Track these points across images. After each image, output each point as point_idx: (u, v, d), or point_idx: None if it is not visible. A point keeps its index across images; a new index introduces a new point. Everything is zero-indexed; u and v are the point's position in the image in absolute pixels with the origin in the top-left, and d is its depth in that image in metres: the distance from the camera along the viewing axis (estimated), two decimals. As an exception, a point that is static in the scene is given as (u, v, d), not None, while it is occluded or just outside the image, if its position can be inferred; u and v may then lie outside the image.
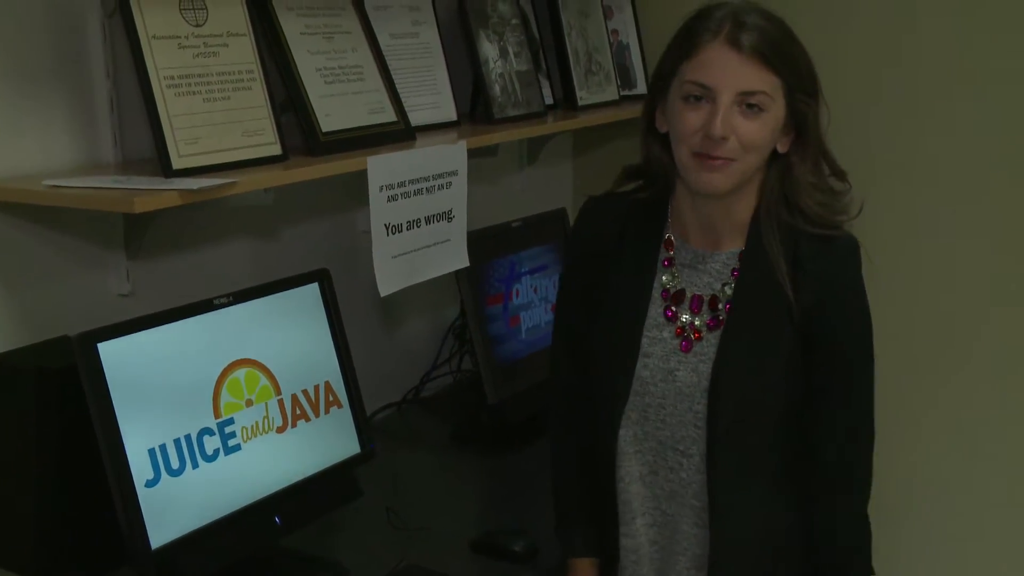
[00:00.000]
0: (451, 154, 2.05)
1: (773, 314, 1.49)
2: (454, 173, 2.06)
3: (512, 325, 2.29)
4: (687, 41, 1.50)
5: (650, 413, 1.57)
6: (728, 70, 1.44)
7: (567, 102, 2.65)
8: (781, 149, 1.51)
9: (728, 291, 1.55)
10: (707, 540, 1.55)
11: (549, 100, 2.64)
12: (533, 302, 2.35)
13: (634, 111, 2.84)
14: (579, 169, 3.17)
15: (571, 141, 3.14)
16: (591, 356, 1.63)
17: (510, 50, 2.42)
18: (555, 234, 2.46)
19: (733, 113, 1.45)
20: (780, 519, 1.57)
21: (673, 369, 1.55)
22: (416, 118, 2.16)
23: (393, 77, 2.08)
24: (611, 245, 1.62)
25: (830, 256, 1.49)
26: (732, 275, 1.55)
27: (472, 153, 2.20)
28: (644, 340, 1.57)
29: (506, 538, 1.82)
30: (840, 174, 1.55)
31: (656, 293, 1.59)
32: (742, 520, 1.54)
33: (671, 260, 1.59)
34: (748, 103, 1.45)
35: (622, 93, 2.85)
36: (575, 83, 2.63)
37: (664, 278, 1.59)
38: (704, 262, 1.57)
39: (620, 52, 2.90)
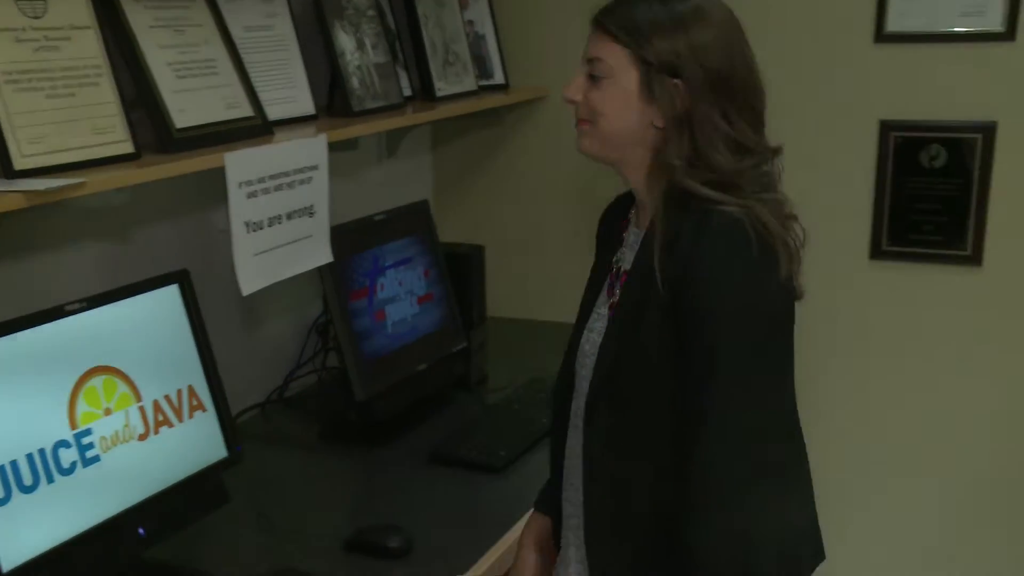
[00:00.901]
0: (311, 148, 2.01)
1: (647, 291, 1.47)
2: (314, 168, 2.03)
3: (378, 320, 2.26)
4: None
5: (583, 386, 1.58)
6: (590, 41, 1.55)
7: (425, 93, 2.64)
8: (657, 123, 1.49)
9: (626, 265, 1.58)
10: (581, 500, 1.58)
11: (407, 92, 2.63)
12: (399, 296, 2.34)
13: (493, 101, 2.88)
14: (439, 160, 3.16)
15: (430, 132, 3.13)
16: None
17: (367, 42, 2.39)
18: (419, 226, 2.44)
19: (583, 79, 1.53)
20: (657, 490, 1.49)
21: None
22: (273, 112, 2.11)
23: (248, 71, 2.03)
24: (607, 228, 1.71)
25: (701, 232, 1.43)
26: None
27: (332, 147, 2.17)
28: (593, 316, 1.62)
29: (380, 535, 1.81)
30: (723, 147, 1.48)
31: (609, 274, 1.63)
32: (611, 492, 1.53)
33: (623, 239, 1.63)
34: (591, 72, 1.52)
35: (480, 83, 2.86)
36: (432, 74, 2.61)
37: (615, 257, 1.63)
38: (633, 239, 1.59)
39: (476, 42, 2.90)
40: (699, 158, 1.47)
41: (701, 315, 1.42)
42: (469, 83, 2.77)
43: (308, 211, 2.03)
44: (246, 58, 2.06)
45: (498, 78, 2.93)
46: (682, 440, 1.44)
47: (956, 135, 2.58)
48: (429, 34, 2.63)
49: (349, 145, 2.19)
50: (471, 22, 2.90)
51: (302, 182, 1.99)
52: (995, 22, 2.52)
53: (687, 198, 1.46)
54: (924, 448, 2.76)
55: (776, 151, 1.53)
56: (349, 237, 2.21)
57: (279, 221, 1.95)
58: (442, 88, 2.65)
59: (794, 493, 1.53)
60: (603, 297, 1.62)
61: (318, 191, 2.04)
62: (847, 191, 2.71)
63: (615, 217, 1.68)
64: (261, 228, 1.90)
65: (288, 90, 2.19)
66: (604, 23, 1.51)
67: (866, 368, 2.77)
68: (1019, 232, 2.59)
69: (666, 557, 1.46)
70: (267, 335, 2.52)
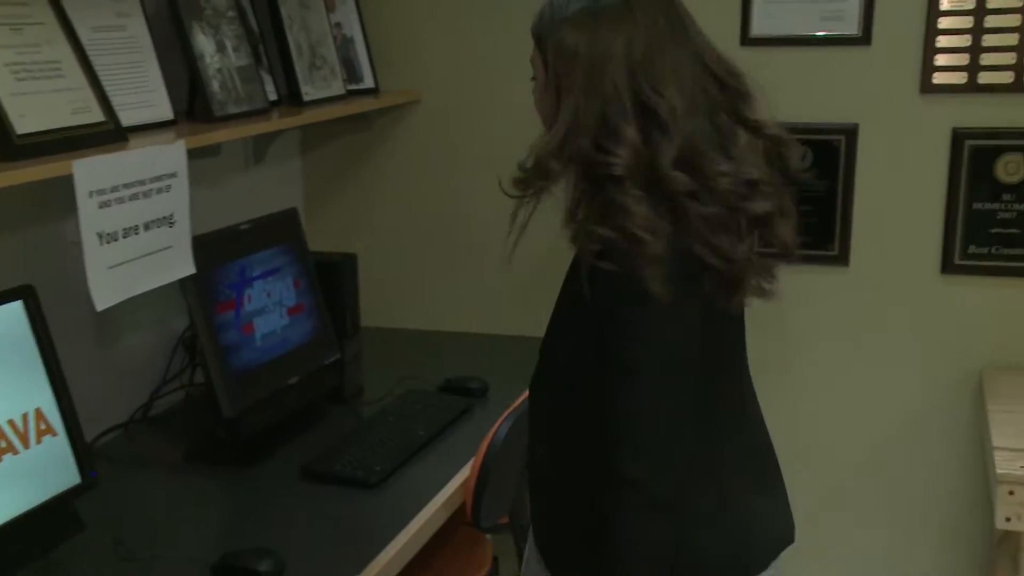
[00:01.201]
0: (168, 155, 1.91)
1: (568, 297, 1.52)
2: (173, 175, 1.93)
3: (246, 333, 2.17)
4: None
5: None
6: None
7: (292, 98, 2.56)
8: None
9: None
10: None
11: (273, 96, 2.54)
12: (267, 307, 2.25)
13: (362, 105, 2.81)
14: (310, 166, 3.08)
15: (300, 138, 3.04)
16: None
17: (228, 44, 2.30)
18: (287, 235, 2.36)
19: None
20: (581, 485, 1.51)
21: None
22: (128, 118, 2.00)
23: (98, 74, 1.92)
24: None
25: (595, 288, 1.42)
26: None
27: (192, 154, 2.07)
28: None
29: (249, 559, 1.72)
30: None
31: None
32: (542, 492, 1.62)
33: None
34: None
35: (349, 88, 2.79)
36: (299, 78, 2.54)
37: None
38: None
39: (345, 46, 2.83)
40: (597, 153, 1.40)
41: (598, 329, 1.43)
42: (337, 87, 2.70)
43: (167, 221, 1.93)
44: (96, 60, 1.95)
45: (368, 82, 2.86)
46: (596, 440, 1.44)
47: (821, 137, 2.63)
48: (294, 37, 2.55)
49: (211, 151, 2.10)
50: (339, 25, 2.82)
51: (160, 191, 1.90)
52: (852, 27, 2.58)
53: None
54: (794, 445, 2.80)
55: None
56: (213, 248, 2.12)
57: (135, 232, 1.85)
58: (309, 92, 2.57)
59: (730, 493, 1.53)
60: None
61: (177, 200, 1.94)
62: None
63: None
64: (116, 239, 1.80)
65: (144, 94, 2.09)
66: (532, 26, 1.51)
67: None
68: (882, 232, 2.65)
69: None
70: (129, 351, 2.40)
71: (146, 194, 1.86)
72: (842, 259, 2.67)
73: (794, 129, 2.65)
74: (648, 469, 1.40)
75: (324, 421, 2.38)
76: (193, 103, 2.25)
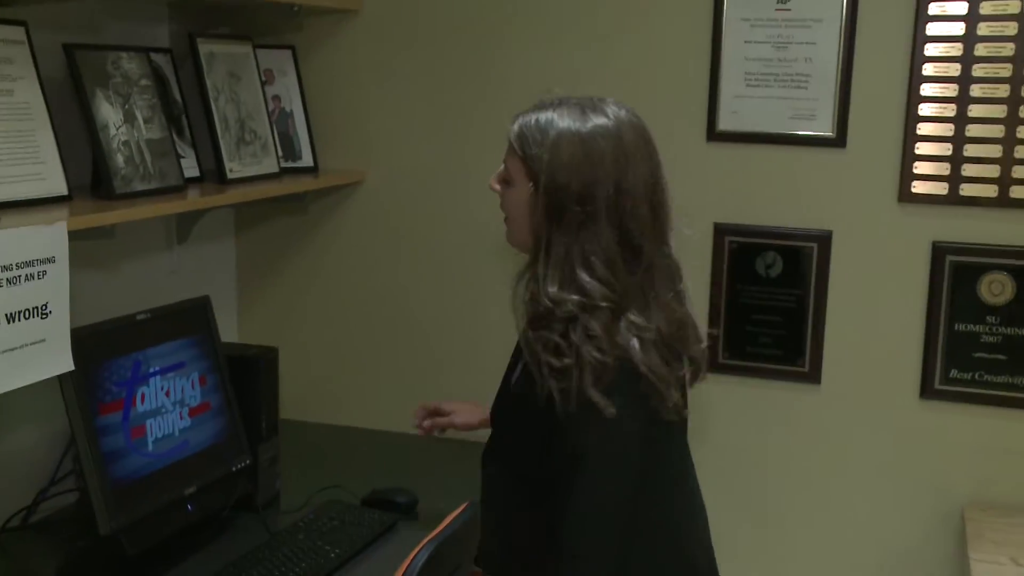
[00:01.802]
0: (43, 238, 1.69)
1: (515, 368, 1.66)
2: (50, 260, 1.70)
3: (135, 437, 1.92)
4: None
5: None
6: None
7: (218, 175, 2.34)
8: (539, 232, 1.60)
9: None
10: None
11: (194, 172, 2.33)
12: (164, 407, 2.00)
13: (298, 185, 2.59)
14: (243, 249, 2.85)
15: (233, 218, 2.82)
16: None
17: (138, 114, 2.09)
18: (196, 326, 2.13)
19: (502, 172, 1.66)
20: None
21: None
22: (7, 192, 1.79)
23: (-29, 142, 1.71)
24: None
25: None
26: None
27: (87, 234, 1.86)
28: None
29: None
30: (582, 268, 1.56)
31: None
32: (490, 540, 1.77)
33: None
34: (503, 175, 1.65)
35: (284, 165, 2.58)
36: (223, 153, 2.32)
37: None
38: None
39: (283, 120, 2.63)
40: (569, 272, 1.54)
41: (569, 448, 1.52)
42: (269, 164, 2.49)
43: (40, 311, 1.69)
44: (-28, 127, 1.74)
45: (306, 160, 2.65)
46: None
47: (792, 243, 2.42)
48: (220, 109, 2.34)
49: (104, 233, 1.88)
50: (277, 97, 2.63)
51: (31, 277, 1.66)
52: (825, 126, 2.38)
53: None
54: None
55: (650, 267, 1.58)
56: (101, 340, 1.88)
57: (-4, 324, 1.61)
58: (235, 169, 2.35)
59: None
60: None
61: (54, 288, 1.71)
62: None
63: None
64: (-33, 333, 1.56)
65: (32, 166, 1.87)
66: (512, 139, 1.61)
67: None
68: (857, 349, 2.43)
69: None
70: (14, 447, 2.14)
71: (13, 281, 1.63)
72: (813, 376, 2.45)
73: (763, 233, 2.49)
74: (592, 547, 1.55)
75: (229, 535, 2.12)
76: (98, 178, 2.03)
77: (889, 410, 2.41)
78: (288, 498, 2.31)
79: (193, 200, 2.15)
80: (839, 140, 2.37)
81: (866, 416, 2.43)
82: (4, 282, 1.62)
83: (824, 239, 2.41)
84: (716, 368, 2.50)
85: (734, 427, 2.52)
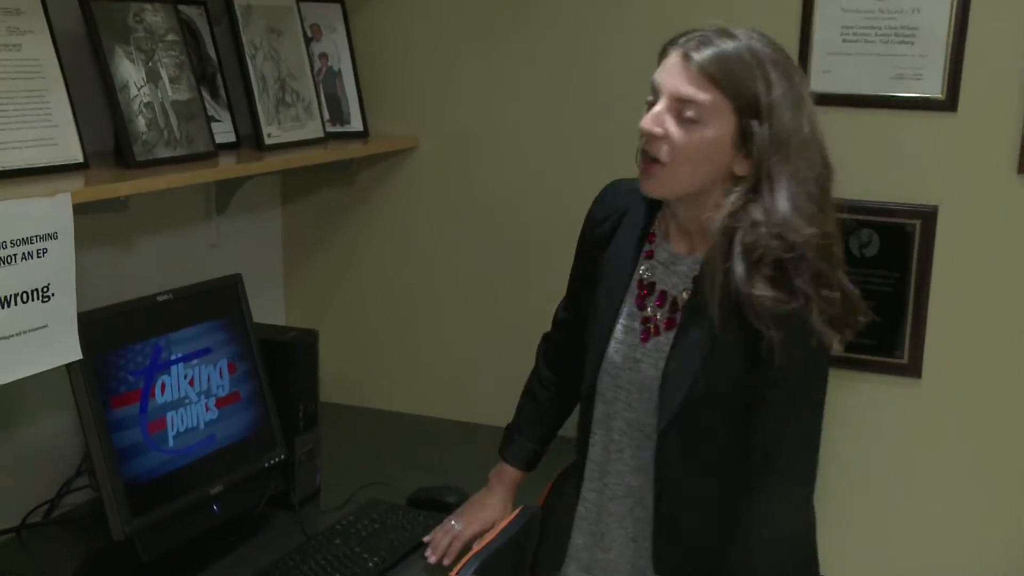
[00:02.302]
0: (43, 211, 1.50)
1: (717, 323, 1.53)
2: (51, 236, 1.51)
3: (153, 432, 1.74)
4: (661, 50, 1.57)
5: (620, 395, 1.67)
6: (673, 74, 1.51)
7: (256, 140, 2.14)
8: (739, 172, 1.53)
9: (685, 295, 1.61)
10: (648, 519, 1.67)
11: (230, 137, 2.13)
12: (188, 398, 1.82)
13: (344, 152, 2.38)
14: (291, 218, 2.66)
15: (279, 185, 2.63)
16: (584, 333, 1.73)
17: (163, 73, 1.89)
18: (225, 308, 1.93)
19: (667, 117, 1.51)
20: (726, 508, 1.61)
21: (639, 360, 1.64)
22: (14, 158, 1.61)
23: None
24: (610, 229, 1.72)
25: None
26: (692, 280, 1.61)
27: (107, 206, 1.67)
28: (617, 326, 1.66)
29: None
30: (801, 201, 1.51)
31: (634, 283, 1.67)
32: (684, 506, 1.64)
33: (651, 253, 1.67)
34: (684, 113, 1.50)
35: (331, 130, 2.37)
36: (260, 117, 2.12)
37: (641, 268, 1.67)
38: (675, 263, 1.63)
39: (330, 80, 2.42)
40: (773, 214, 1.49)
41: (786, 357, 1.48)
42: (313, 129, 2.28)
43: (41, 294, 1.51)
44: (-28, 87, 1.56)
45: (355, 124, 2.44)
46: (758, 446, 1.58)
47: (891, 220, 2.15)
48: (258, 68, 2.13)
49: (116, 205, 1.69)
50: (324, 55, 2.41)
51: (28, 256, 1.48)
52: (934, 88, 2.09)
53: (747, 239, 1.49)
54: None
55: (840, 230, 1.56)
56: (115, 324, 1.70)
57: (-14, 309, 1.43)
58: (273, 134, 2.15)
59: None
60: (629, 307, 1.67)
61: (57, 267, 1.53)
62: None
63: (616, 220, 1.71)
64: (-50, 320, 1.38)
65: (42, 130, 1.69)
66: (702, 64, 1.49)
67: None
68: (964, 339, 2.15)
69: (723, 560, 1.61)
70: (37, 435, 1.98)
71: (6, 260, 1.45)
72: (913, 369, 2.18)
73: (858, 208, 2.20)
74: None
75: (261, 537, 1.94)
76: (120, 143, 1.84)
77: (1003, 408, 2.13)
78: (329, 495, 2.13)
79: (223, 168, 1.95)
80: (949, 103, 2.08)
81: (974, 413, 2.16)
82: (-3, 262, 1.44)
83: (929, 215, 2.13)
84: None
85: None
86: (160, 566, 1.75)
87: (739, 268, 1.48)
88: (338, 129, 2.40)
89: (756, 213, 1.49)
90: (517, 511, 1.95)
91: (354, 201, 2.56)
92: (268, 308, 2.58)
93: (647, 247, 1.68)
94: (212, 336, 1.89)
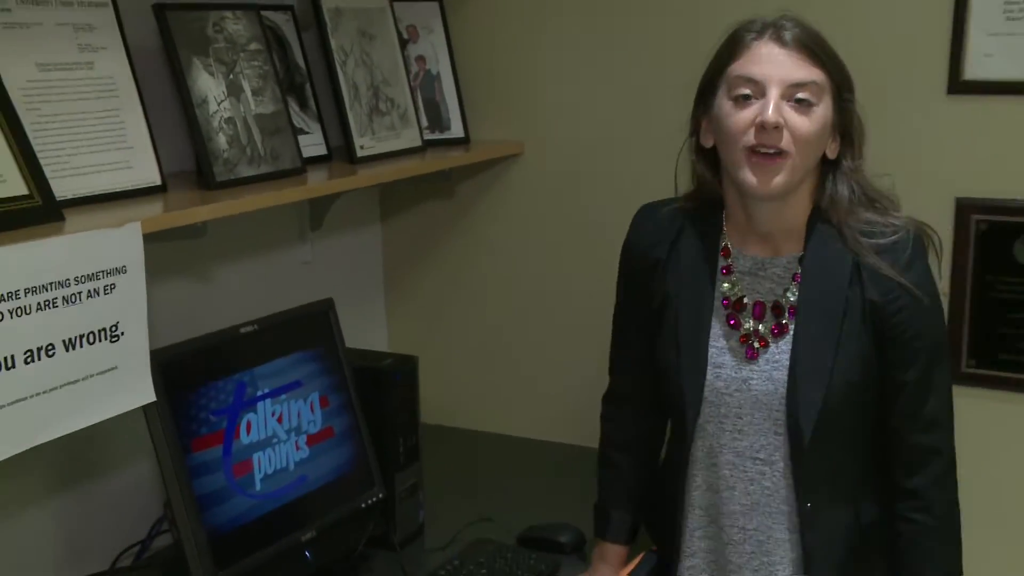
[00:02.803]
0: (111, 244, 1.37)
1: (842, 316, 1.51)
2: (119, 271, 1.39)
3: (239, 475, 1.61)
4: (731, 45, 1.52)
5: (726, 424, 1.57)
6: (776, 63, 1.47)
7: (348, 152, 1.99)
8: (831, 154, 1.52)
9: (791, 296, 1.55)
10: (800, 544, 1.56)
11: (320, 150, 1.99)
12: (277, 436, 1.68)
13: (443, 162, 2.21)
14: (391, 233, 2.51)
15: (377, 198, 2.48)
16: (657, 366, 1.64)
17: (245, 85, 1.75)
18: (316, 336, 1.79)
19: (783, 107, 1.45)
20: (863, 505, 1.59)
21: (746, 378, 1.56)
22: (84, 185, 1.49)
23: (34, 128, 1.41)
24: (665, 253, 1.63)
25: (896, 252, 1.50)
26: (794, 280, 1.55)
27: (177, 233, 1.55)
28: (712, 350, 1.58)
29: None
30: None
31: (717, 302, 1.59)
32: (832, 516, 1.56)
33: (729, 268, 1.59)
34: (798, 96, 1.46)
35: (429, 137, 2.21)
36: (351, 127, 1.97)
37: (724, 286, 1.59)
38: (764, 268, 1.57)
39: (428, 84, 2.26)
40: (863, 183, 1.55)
41: (916, 330, 1.51)
42: (409, 138, 2.12)
43: (109, 334, 1.39)
44: (40, 109, 1.45)
45: (455, 130, 2.28)
46: (898, 445, 1.55)
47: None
48: (349, 75, 1.99)
49: (194, 232, 1.56)
50: (422, 58, 2.26)
51: (94, 293, 1.35)
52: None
53: (853, 219, 1.52)
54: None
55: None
56: (194, 361, 1.57)
57: (49, 353, 1.31)
58: (366, 146, 2.00)
59: None
60: (718, 329, 1.58)
61: (126, 303, 1.40)
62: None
63: (670, 237, 1.63)
64: (10, 367, 1.26)
65: (115, 152, 1.57)
66: (803, 43, 1.47)
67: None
68: None
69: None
70: (126, 475, 1.87)
71: (69, 300, 1.32)
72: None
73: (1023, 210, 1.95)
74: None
75: (360, 580, 1.80)
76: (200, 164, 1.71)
77: None
78: (433, 532, 1.97)
79: (311, 187, 1.81)
80: None
81: None
82: (60, 301, 1.31)
83: (1111, 217, 1.85)
84: (959, 379, 1.98)
85: (982, 452, 2.00)
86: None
87: (836, 193, 1.53)
88: (437, 136, 2.25)
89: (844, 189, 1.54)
90: (640, 557, 1.77)
91: (455, 213, 2.40)
92: (368, 330, 2.45)
93: (721, 263, 1.59)
94: (302, 368, 1.75)
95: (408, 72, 2.17)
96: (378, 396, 1.87)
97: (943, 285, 1.97)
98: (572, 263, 2.31)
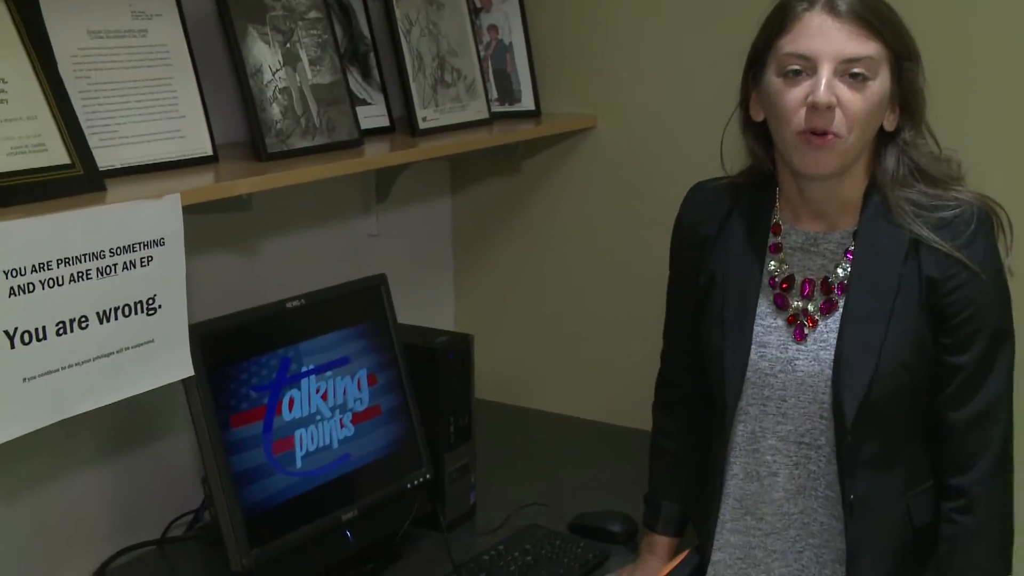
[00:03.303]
0: (148, 215, 1.36)
1: (895, 293, 1.43)
2: (157, 243, 1.37)
3: (279, 452, 1.59)
4: (781, 16, 1.43)
5: (769, 407, 1.51)
6: (828, 36, 1.38)
7: (411, 124, 1.95)
8: (888, 127, 1.45)
9: (841, 272, 1.49)
10: (844, 533, 1.49)
11: (383, 121, 1.95)
12: (320, 413, 1.66)
13: (509, 136, 2.15)
14: (460, 207, 2.47)
15: (448, 171, 2.44)
16: (702, 347, 1.58)
17: (303, 55, 1.72)
18: (367, 312, 1.76)
19: (836, 84, 1.37)
20: (916, 505, 1.50)
21: (792, 359, 1.49)
22: (137, 154, 1.49)
23: (80, 96, 1.41)
24: (715, 230, 1.57)
25: (957, 227, 1.41)
26: (846, 256, 1.49)
27: (222, 205, 1.53)
28: (757, 329, 1.52)
29: None
30: (936, 141, 1.49)
31: (765, 280, 1.53)
32: (879, 508, 1.48)
33: (778, 245, 1.53)
34: (852, 72, 1.37)
35: (499, 109, 2.16)
36: (414, 98, 1.92)
37: (772, 264, 1.53)
38: (816, 244, 1.51)
39: (500, 54, 2.20)
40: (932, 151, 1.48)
41: (975, 311, 1.42)
42: (476, 110, 2.07)
43: (146, 306, 1.37)
44: (90, 77, 1.45)
45: (527, 103, 2.21)
46: (952, 434, 1.46)
47: None
48: (413, 45, 1.94)
49: (239, 205, 1.53)
50: (494, 27, 2.20)
51: (130, 265, 1.34)
52: None
53: (912, 194, 1.44)
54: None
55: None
56: (236, 335, 1.56)
57: (82, 325, 1.30)
58: (429, 118, 1.95)
59: None
60: (765, 308, 1.52)
61: (165, 276, 1.39)
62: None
63: (722, 214, 1.57)
64: (41, 339, 1.25)
65: (167, 121, 1.56)
66: (858, 13, 1.37)
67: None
68: None
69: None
70: (179, 445, 1.88)
71: (104, 271, 1.31)
72: None
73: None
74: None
75: (406, 562, 1.77)
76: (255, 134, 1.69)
77: None
78: (485, 514, 1.94)
79: (367, 159, 1.77)
80: None
81: None
82: (94, 273, 1.30)
83: None
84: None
85: None
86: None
87: (891, 166, 1.45)
88: (507, 108, 2.19)
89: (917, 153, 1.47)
90: (685, 553, 1.71)
91: (524, 188, 2.34)
92: (433, 306, 2.42)
93: (771, 240, 1.53)
94: (350, 344, 1.72)
95: (479, 42, 2.11)
96: (430, 375, 1.83)
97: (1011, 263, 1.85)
98: (642, 243, 2.23)
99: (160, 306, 1.39)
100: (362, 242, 2.20)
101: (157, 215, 1.37)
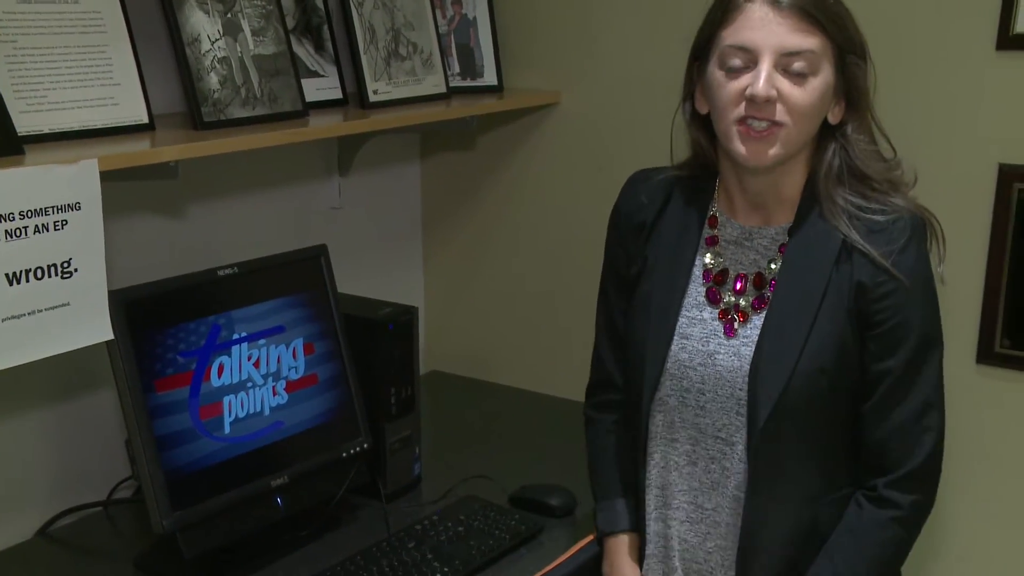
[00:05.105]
0: (61, 180, 1.38)
1: (822, 294, 1.41)
2: (72, 207, 1.39)
3: (206, 417, 1.61)
4: (723, 5, 1.41)
5: (688, 399, 1.49)
6: (769, 29, 1.36)
7: (360, 97, 1.96)
8: (833, 120, 1.43)
9: (774, 267, 1.46)
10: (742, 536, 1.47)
11: (335, 94, 1.96)
12: (252, 380, 1.68)
13: (466, 109, 2.15)
14: (428, 180, 2.47)
15: (417, 145, 2.44)
16: (626, 335, 1.58)
17: (244, 25, 1.73)
18: (306, 282, 1.78)
19: (777, 77, 1.36)
20: (825, 512, 1.47)
21: (713, 352, 1.48)
22: (66, 119, 1.51)
23: (4, 61, 1.44)
24: (651, 219, 1.56)
25: (891, 234, 1.40)
26: (780, 251, 1.47)
27: (152, 172, 1.55)
28: (682, 320, 1.51)
29: None
30: (889, 142, 1.48)
31: (697, 272, 1.51)
32: (784, 510, 1.45)
33: (714, 238, 1.52)
34: (793, 66, 1.36)
35: (461, 84, 2.16)
36: (364, 71, 1.93)
37: (707, 258, 1.51)
38: (751, 238, 1.49)
39: (463, 29, 2.20)
40: (876, 148, 1.45)
41: (903, 317, 1.40)
42: (432, 84, 2.07)
43: (60, 270, 1.40)
44: (17, 41, 1.47)
45: (489, 79, 2.21)
46: (873, 442, 1.44)
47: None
48: (365, 17, 1.94)
49: (165, 171, 1.55)
50: (458, 2, 2.19)
51: (41, 229, 1.36)
52: None
53: (851, 194, 1.42)
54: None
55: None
56: (163, 301, 1.58)
57: (-13, 286, 1.32)
58: (380, 91, 1.96)
59: None
60: (693, 300, 1.50)
61: (80, 240, 1.41)
62: (949, 267, 1.85)
63: (659, 204, 1.55)
64: (-58, 298, 1.28)
65: (100, 88, 1.57)
66: (800, 6, 1.36)
67: (982, 500, 1.92)
68: None
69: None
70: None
71: (12, 233, 1.33)
72: None
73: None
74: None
75: (342, 531, 1.79)
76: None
77: None
78: (430, 486, 1.95)
79: (304, 131, 1.77)
80: None
81: None
82: (2, 234, 1.32)
83: None
84: (991, 359, 1.85)
85: (1016, 438, 1.86)
86: (215, 560, 1.64)
87: (827, 159, 1.43)
88: (468, 83, 2.19)
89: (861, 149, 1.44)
90: (590, 536, 1.71)
91: (489, 163, 2.34)
92: (401, 278, 2.43)
93: (707, 233, 1.51)
94: (286, 313, 1.74)
95: (442, 16, 2.11)
96: (371, 346, 1.84)
97: (979, 262, 1.83)
98: (604, 218, 2.23)
99: (76, 269, 1.41)
100: (324, 214, 2.22)
101: (72, 179, 1.38)
